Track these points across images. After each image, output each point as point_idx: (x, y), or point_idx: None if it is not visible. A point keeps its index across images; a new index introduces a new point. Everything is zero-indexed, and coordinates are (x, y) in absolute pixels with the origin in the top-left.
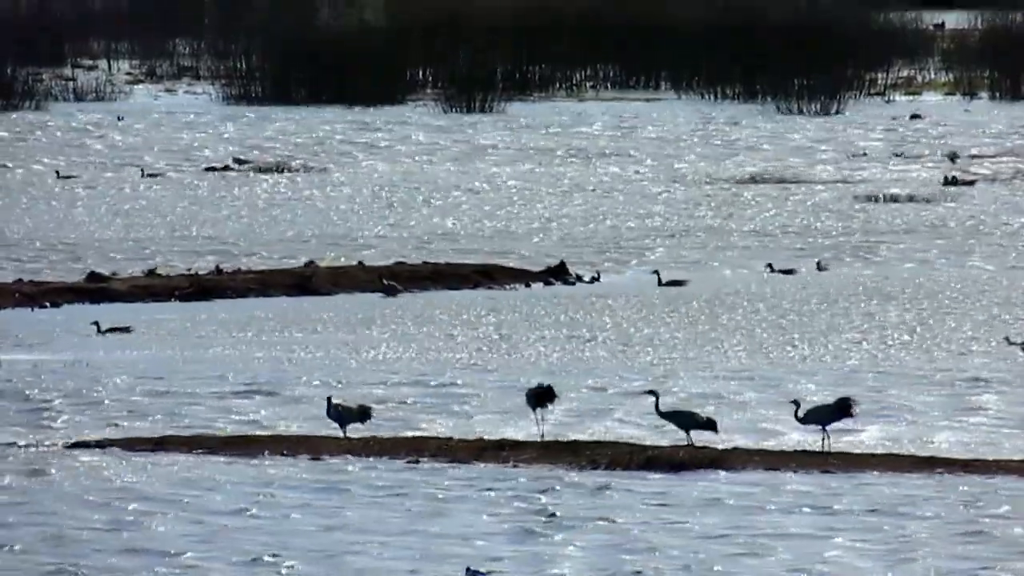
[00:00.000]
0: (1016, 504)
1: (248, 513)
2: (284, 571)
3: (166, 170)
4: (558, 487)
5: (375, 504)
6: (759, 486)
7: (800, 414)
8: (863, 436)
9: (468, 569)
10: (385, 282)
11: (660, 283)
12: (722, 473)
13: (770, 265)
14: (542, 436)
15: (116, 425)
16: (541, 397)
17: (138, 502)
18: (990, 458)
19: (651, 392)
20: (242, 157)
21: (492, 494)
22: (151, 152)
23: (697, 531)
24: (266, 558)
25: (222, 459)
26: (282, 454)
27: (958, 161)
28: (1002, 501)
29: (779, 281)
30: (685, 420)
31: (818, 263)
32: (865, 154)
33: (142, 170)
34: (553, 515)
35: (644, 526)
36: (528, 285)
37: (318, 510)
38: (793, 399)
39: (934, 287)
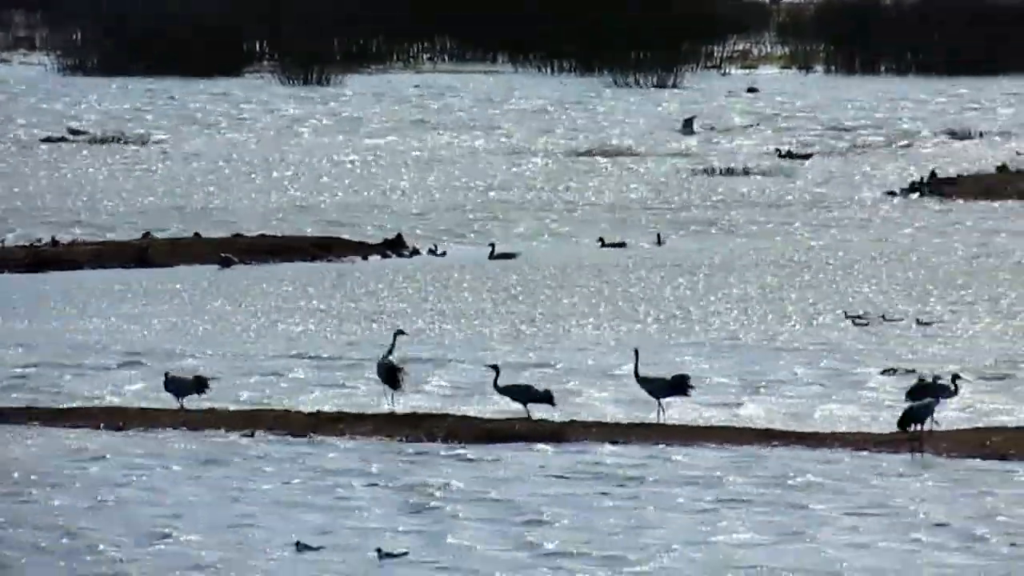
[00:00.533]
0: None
1: (135, 485)
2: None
3: (2, 141)
4: (423, 459)
5: (260, 476)
6: (615, 457)
7: (640, 373)
8: (703, 406)
9: (379, 551)
10: (222, 255)
11: (492, 256)
12: (564, 445)
13: (601, 239)
14: (391, 406)
15: None
16: (392, 373)
17: (19, 473)
18: (825, 431)
19: (492, 367)
20: (78, 128)
21: (372, 467)
22: None
23: (587, 503)
24: (162, 530)
25: (55, 430)
26: (119, 427)
27: (696, 129)
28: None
29: (612, 255)
30: (522, 394)
31: (658, 236)
32: (712, 128)
33: None
34: (440, 487)
35: (530, 497)
36: (366, 258)
37: (206, 482)
38: (634, 348)
39: (775, 259)
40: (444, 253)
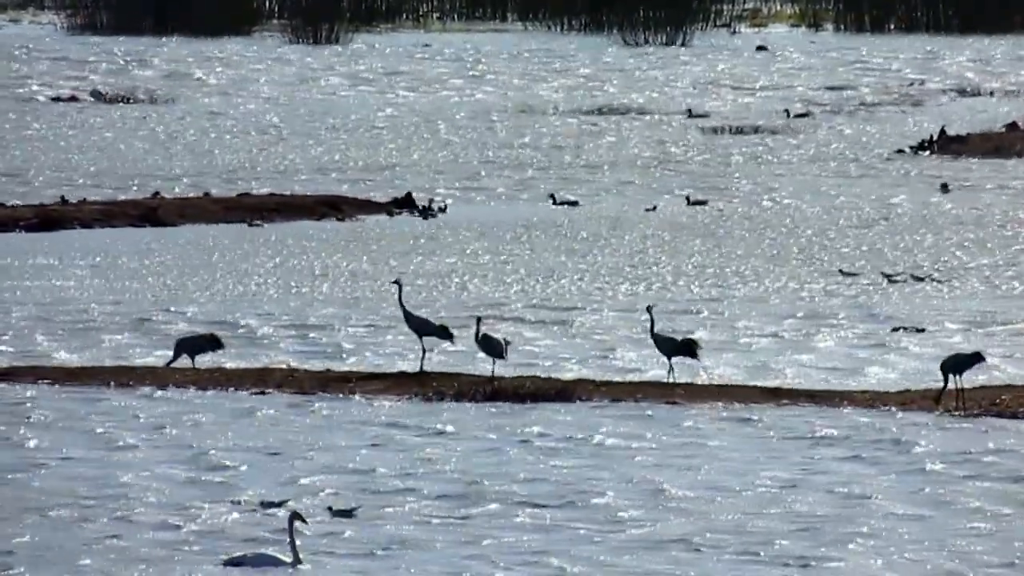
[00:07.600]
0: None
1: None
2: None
3: (12, 101)
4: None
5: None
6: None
7: (654, 330)
8: (711, 366)
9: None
10: (252, 223)
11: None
12: (576, 403)
13: (552, 196)
14: (421, 368)
15: None
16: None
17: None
18: (835, 389)
19: (395, 282)
20: (88, 87)
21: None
22: None
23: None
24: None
25: (74, 391)
26: (128, 385)
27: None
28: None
29: (563, 212)
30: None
31: (687, 197)
32: (712, 85)
33: None
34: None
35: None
36: (380, 215)
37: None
38: (648, 306)
39: (782, 217)
40: (444, 211)
